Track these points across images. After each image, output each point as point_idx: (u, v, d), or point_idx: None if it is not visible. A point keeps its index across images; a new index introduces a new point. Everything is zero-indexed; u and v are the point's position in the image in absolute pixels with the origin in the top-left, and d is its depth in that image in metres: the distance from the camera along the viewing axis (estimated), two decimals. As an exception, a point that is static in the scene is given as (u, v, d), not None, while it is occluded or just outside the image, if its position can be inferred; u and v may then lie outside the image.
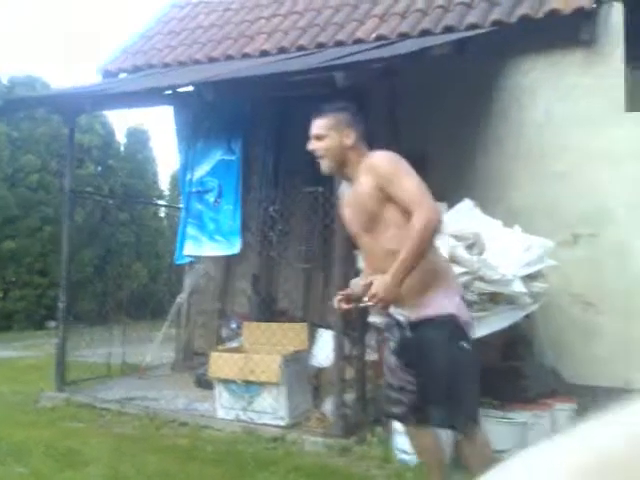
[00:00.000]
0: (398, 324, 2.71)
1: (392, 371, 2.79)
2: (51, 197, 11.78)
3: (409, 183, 2.55)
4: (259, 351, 5.15)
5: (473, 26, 5.40)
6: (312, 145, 2.79)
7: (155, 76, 6.48)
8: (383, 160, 2.63)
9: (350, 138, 2.70)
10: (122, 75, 7.21)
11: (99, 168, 13.36)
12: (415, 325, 2.61)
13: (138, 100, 5.78)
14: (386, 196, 2.58)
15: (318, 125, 2.77)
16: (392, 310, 2.71)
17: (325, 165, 2.78)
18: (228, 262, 6.92)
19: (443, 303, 2.56)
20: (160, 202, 15.26)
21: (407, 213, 2.54)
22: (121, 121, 24.97)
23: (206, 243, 6.45)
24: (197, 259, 6.98)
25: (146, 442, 4.42)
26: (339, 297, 2.85)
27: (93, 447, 4.25)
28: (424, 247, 2.46)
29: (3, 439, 4.35)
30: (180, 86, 5.37)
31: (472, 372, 2.63)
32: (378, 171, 2.60)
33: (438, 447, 2.88)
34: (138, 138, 14.99)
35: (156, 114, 35.65)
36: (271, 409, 4.61)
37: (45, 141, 12.18)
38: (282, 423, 4.55)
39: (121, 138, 14.68)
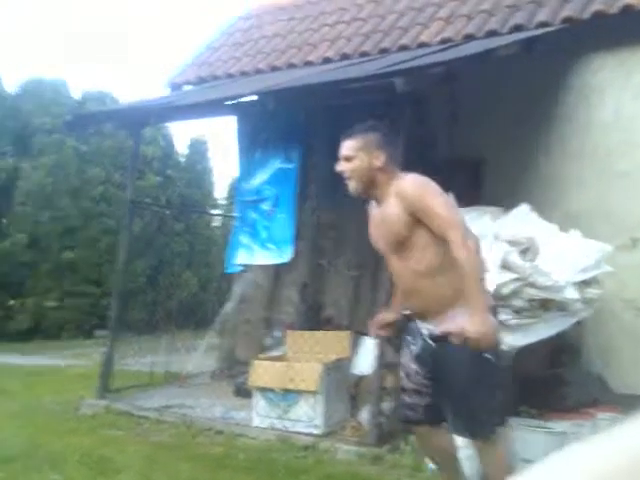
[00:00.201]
0: (422, 335, 2.67)
1: (408, 375, 2.74)
2: (112, 209, 12.09)
3: (439, 207, 2.49)
4: (302, 359, 5.08)
5: (543, 24, 5.21)
6: (340, 166, 2.73)
7: (218, 87, 6.55)
8: (412, 185, 2.58)
9: (379, 160, 2.64)
10: (188, 87, 7.30)
11: (159, 179, 13.66)
12: (439, 339, 2.55)
13: (200, 111, 5.85)
14: (415, 220, 2.53)
15: (347, 146, 2.72)
16: (418, 324, 2.68)
17: (352, 186, 2.72)
18: (277, 271, 6.87)
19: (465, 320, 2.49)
20: (215, 211, 15.46)
21: (437, 234, 2.51)
22: (182, 132, 25.66)
23: (258, 252, 6.44)
24: (247, 268, 6.97)
25: (181, 450, 4.38)
26: (375, 325, 2.92)
27: (128, 455, 4.24)
28: (478, 269, 2.44)
29: (42, 446, 4.39)
30: (240, 97, 5.40)
31: (497, 383, 2.57)
32: (406, 196, 2.55)
33: (452, 447, 2.79)
34: (197, 149, 15.28)
35: (216, 125, 36.55)
36: (307, 417, 4.51)
37: (111, 154, 12.55)
38: (317, 432, 4.44)
39: (180, 149, 15.04)
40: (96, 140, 12.31)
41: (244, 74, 6.85)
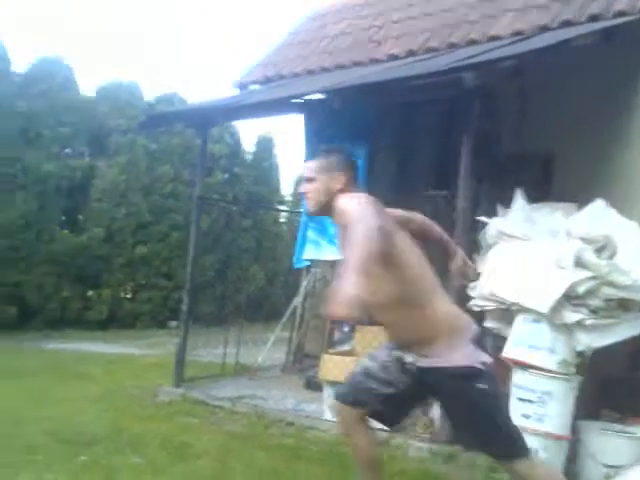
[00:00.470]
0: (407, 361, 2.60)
1: (386, 368, 2.67)
2: (181, 205, 12.46)
3: (348, 208, 2.40)
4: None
5: (621, 13, 5.02)
6: (302, 187, 2.73)
7: (284, 86, 6.61)
8: (341, 202, 2.49)
9: (339, 182, 2.63)
10: (254, 86, 7.39)
11: (226, 176, 13.95)
12: (425, 370, 2.53)
13: (267, 110, 5.91)
14: None
15: (309, 168, 2.72)
16: (401, 352, 2.63)
17: (311, 206, 2.71)
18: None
19: (451, 357, 2.47)
20: (281, 207, 15.63)
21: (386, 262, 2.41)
22: (248, 130, 25.99)
23: (326, 247, 6.47)
24: (315, 263, 7.05)
25: (254, 440, 4.48)
26: None
27: (205, 442, 4.35)
28: (365, 242, 2.17)
29: (123, 430, 4.54)
30: (306, 95, 5.44)
31: (496, 407, 2.54)
32: (339, 214, 2.47)
33: (371, 450, 2.79)
34: (264, 146, 15.47)
35: (282, 122, 36.98)
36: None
37: (179, 152, 12.92)
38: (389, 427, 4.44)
39: (247, 147, 15.26)
40: (165, 139, 12.70)
41: (310, 73, 6.87)
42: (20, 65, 11.67)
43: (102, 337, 10.32)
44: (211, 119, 6.27)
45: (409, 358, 2.57)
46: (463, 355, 2.46)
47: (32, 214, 10.75)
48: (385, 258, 2.38)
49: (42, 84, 11.42)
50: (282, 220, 15.58)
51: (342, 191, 2.60)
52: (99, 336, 10.38)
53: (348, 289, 1.99)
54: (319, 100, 5.46)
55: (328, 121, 6.39)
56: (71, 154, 12.06)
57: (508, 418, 2.56)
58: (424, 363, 2.51)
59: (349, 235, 2.22)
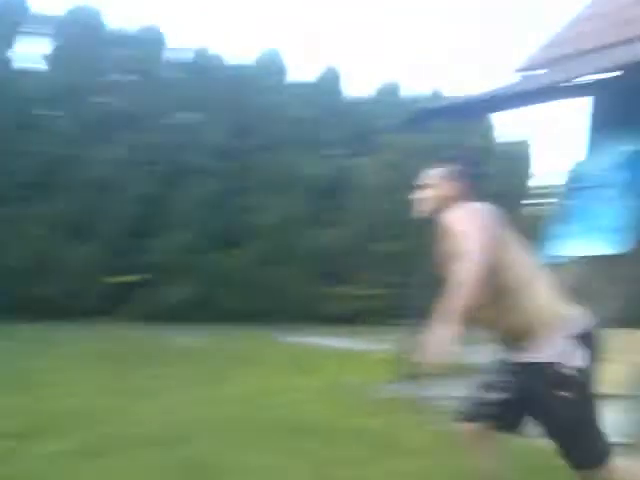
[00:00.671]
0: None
1: (499, 373, 2.67)
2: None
3: (461, 235, 2.34)
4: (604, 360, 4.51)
5: None
6: (416, 194, 2.77)
7: (571, 67, 6.05)
8: (450, 218, 2.46)
9: (456, 191, 2.66)
10: (540, 71, 6.85)
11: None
12: (517, 365, 2.52)
13: (545, 96, 5.66)
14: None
15: (428, 175, 2.78)
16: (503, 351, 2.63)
17: (419, 211, 2.73)
18: (606, 263, 6.12)
19: (541, 351, 2.39)
20: (533, 201, 14.75)
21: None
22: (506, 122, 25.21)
23: (589, 241, 5.79)
24: (570, 259, 6.38)
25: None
26: None
27: (417, 440, 4.26)
28: (461, 287, 2.20)
29: (340, 423, 4.64)
30: (591, 74, 5.07)
31: (576, 421, 2.38)
32: (447, 229, 2.45)
33: (495, 457, 2.73)
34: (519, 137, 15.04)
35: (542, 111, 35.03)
36: (611, 424, 3.96)
37: (441, 148, 12.92)
38: (623, 441, 3.86)
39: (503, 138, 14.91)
40: (425, 135, 12.78)
41: (604, 48, 5.96)
42: (297, 76, 13.46)
43: (337, 332, 10.70)
44: (480, 111, 6.01)
45: (507, 355, 2.56)
46: (554, 352, 2.35)
47: (292, 215, 11.54)
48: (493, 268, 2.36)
49: (326, 93, 13.00)
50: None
51: (456, 200, 2.59)
52: (332, 331, 10.79)
53: (442, 340, 2.14)
54: (611, 79, 4.97)
55: (621, 100, 5.63)
56: (334, 155, 12.86)
57: (591, 429, 2.42)
58: (517, 358, 2.48)
59: (456, 267, 2.24)
